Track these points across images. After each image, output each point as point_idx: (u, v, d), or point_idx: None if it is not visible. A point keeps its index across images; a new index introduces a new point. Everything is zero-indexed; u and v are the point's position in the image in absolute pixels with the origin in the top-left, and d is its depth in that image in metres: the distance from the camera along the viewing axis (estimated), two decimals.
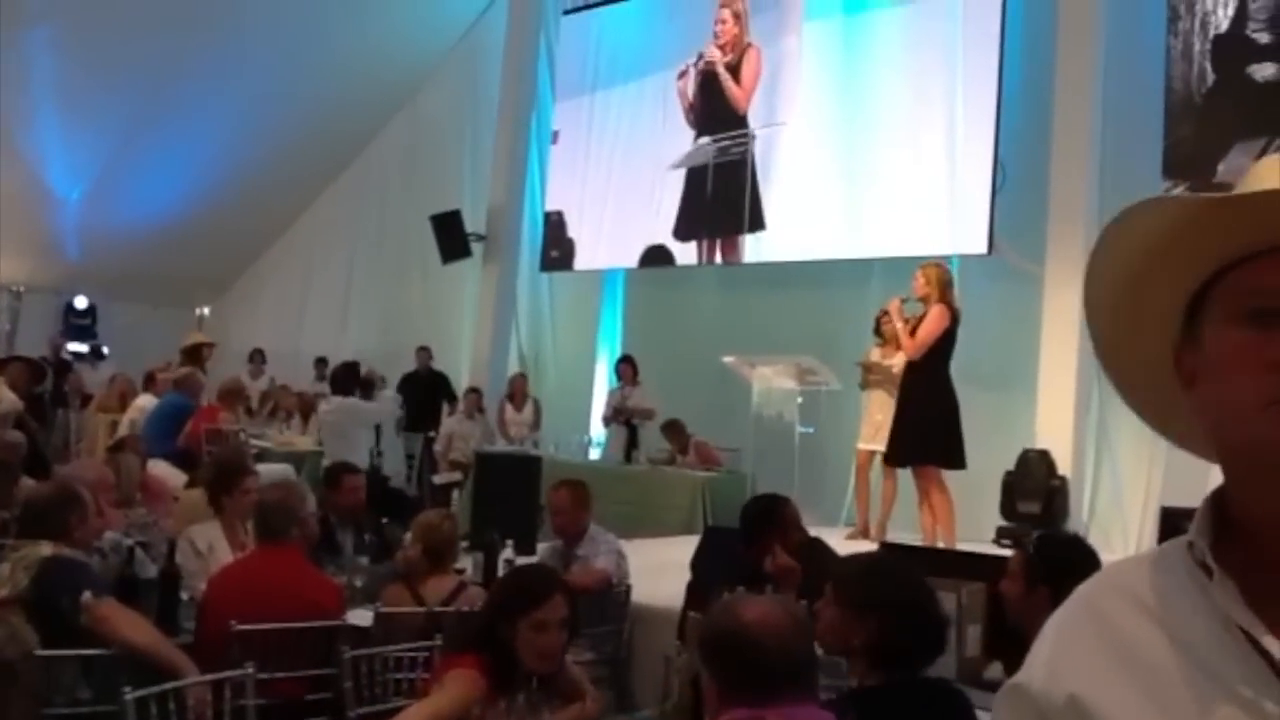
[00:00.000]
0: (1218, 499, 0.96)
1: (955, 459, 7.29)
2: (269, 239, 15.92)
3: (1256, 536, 0.92)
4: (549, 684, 3.02)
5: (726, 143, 10.65)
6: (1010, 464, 7.82)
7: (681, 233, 10.93)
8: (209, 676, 3.47)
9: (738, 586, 4.01)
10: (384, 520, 5.92)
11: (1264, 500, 0.91)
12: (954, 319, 7.24)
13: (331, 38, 12.61)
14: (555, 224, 12.25)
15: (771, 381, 8.37)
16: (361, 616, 4.26)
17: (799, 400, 8.21)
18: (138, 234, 13.99)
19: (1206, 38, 7.71)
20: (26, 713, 3.40)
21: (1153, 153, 7.78)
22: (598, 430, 11.36)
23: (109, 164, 13.25)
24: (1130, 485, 8.13)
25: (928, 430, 7.18)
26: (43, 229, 13.84)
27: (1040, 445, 7.84)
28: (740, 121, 10.60)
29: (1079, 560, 3.23)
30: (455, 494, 10.07)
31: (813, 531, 4.86)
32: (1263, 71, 7.49)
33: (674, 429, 9.77)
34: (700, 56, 11.00)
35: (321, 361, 13.21)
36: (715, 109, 10.81)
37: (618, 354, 11.47)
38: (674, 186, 11.05)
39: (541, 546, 5.72)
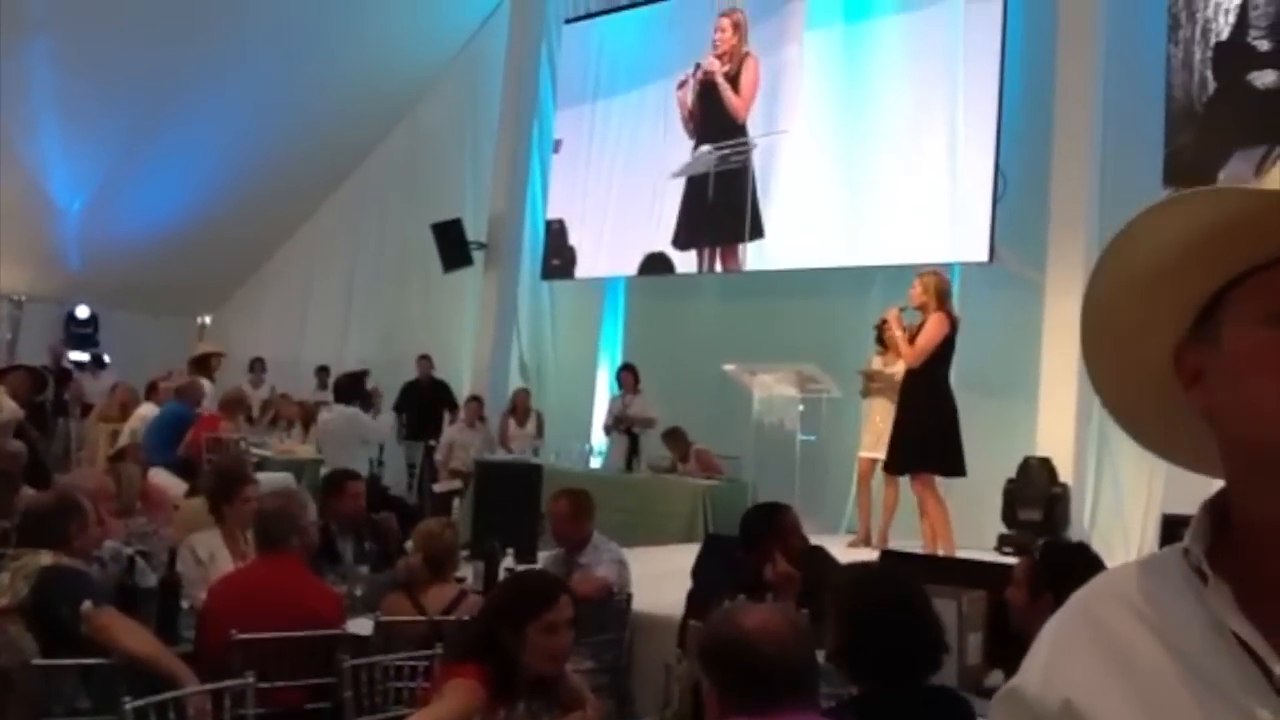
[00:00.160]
0: (1216, 504, 0.96)
1: (955, 466, 7.28)
2: (270, 248, 15.93)
3: (1255, 542, 0.92)
4: (549, 693, 3.01)
5: (728, 151, 10.66)
6: (1011, 471, 7.81)
7: (682, 241, 10.94)
8: (209, 685, 3.46)
9: (738, 594, 4.01)
10: (382, 513, 5.91)
11: (1268, 503, 0.90)
12: (953, 326, 7.25)
13: (332, 48, 12.63)
14: (556, 232, 12.26)
15: (772, 389, 8.37)
16: (362, 625, 4.25)
17: (800, 408, 8.21)
18: (139, 243, 14.00)
19: (1207, 45, 7.71)
20: None
21: (1153, 160, 7.78)
22: (599, 438, 11.36)
23: (110, 174, 13.27)
24: (1132, 493, 8.12)
25: (927, 438, 7.17)
26: (44, 238, 13.86)
27: (1042, 453, 7.83)
28: (740, 130, 10.61)
29: (1084, 568, 3.21)
30: (456, 502, 10.07)
31: (814, 540, 4.86)
32: (1263, 79, 7.50)
33: (675, 437, 9.76)
34: (699, 67, 11.02)
35: (323, 370, 13.22)
36: (715, 119, 10.82)
37: (619, 362, 11.48)
38: (675, 195, 11.06)
39: (545, 554, 5.71)
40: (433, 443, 11.31)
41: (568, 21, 12.67)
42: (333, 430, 9.04)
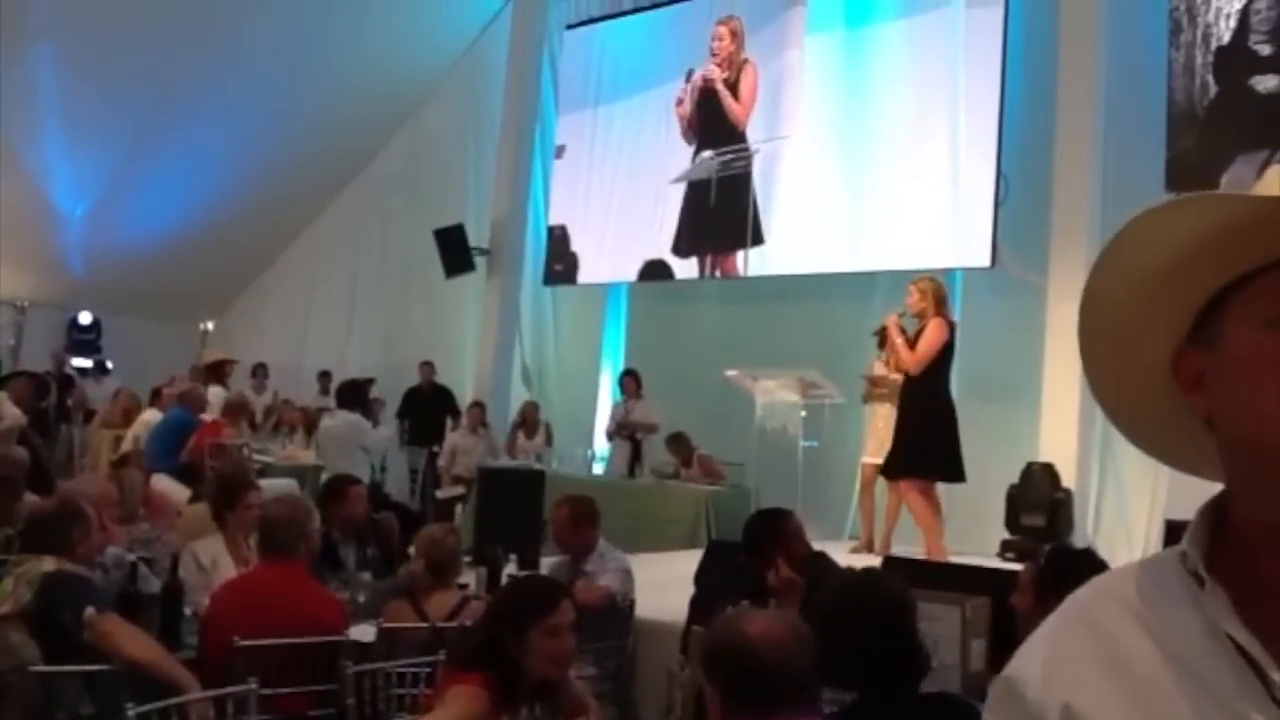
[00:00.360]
0: (1214, 508, 0.96)
1: (954, 472, 7.29)
2: (273, 254, 15.95)
3: (1254, 546, 0.92)
4: (552, 699, 3.01)
5: (729, 156, 10.66)
6: (1014, 477, 7.80)
7: (683, 246, 10.94)
8: (211, 692, 3.46)
9: (741, 601, 4.01)
10: (383, 513, 5.90)
11: (1270, 506, 0.91)
12: (952, 331, 7.26)
13: (334, 54, 12.65)
14: (559, 238, 12.26)
15: (775, 395, 8.37)
16: (364, 632, 4.25)
17: (802, 414, 8.21)
18: (142, 249, 14.01)
19: (1209, 50, 7.71)
20: None
21: (1155, 165, 7.78)
22: (601, 444, 11.35)
23: (113, 180, 13.28)
24: (1135, 498, 8.11)
25: (927, 444, 7.18)
26: (47, 244, 13.87)
27: (1044, 458, 7.82)
28: (741, 137, 10.62)
29: (1090, 573, 3.17)
30: (459, 508, 10.06)
31: (817, 545, 4.85)
32: (1265, 83, 7.50)
33: (678, 442, 9.76)
34: (690, 77, 11.02)
35: (325, 376, 13.22)
36: (716, 126, 10.82)
37: (621, 368, 11.47)
38: (677, 200, 11.07)
39: (551, 561, 5.71)
40: (435, 449, 11.31)
41: (569, 27, 12.68)
42: (334, 436, 9.04)
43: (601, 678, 4.94)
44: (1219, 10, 7.70)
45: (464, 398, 12.12)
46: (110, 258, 14.05)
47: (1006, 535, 7.67)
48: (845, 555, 6.75)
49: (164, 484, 6.80)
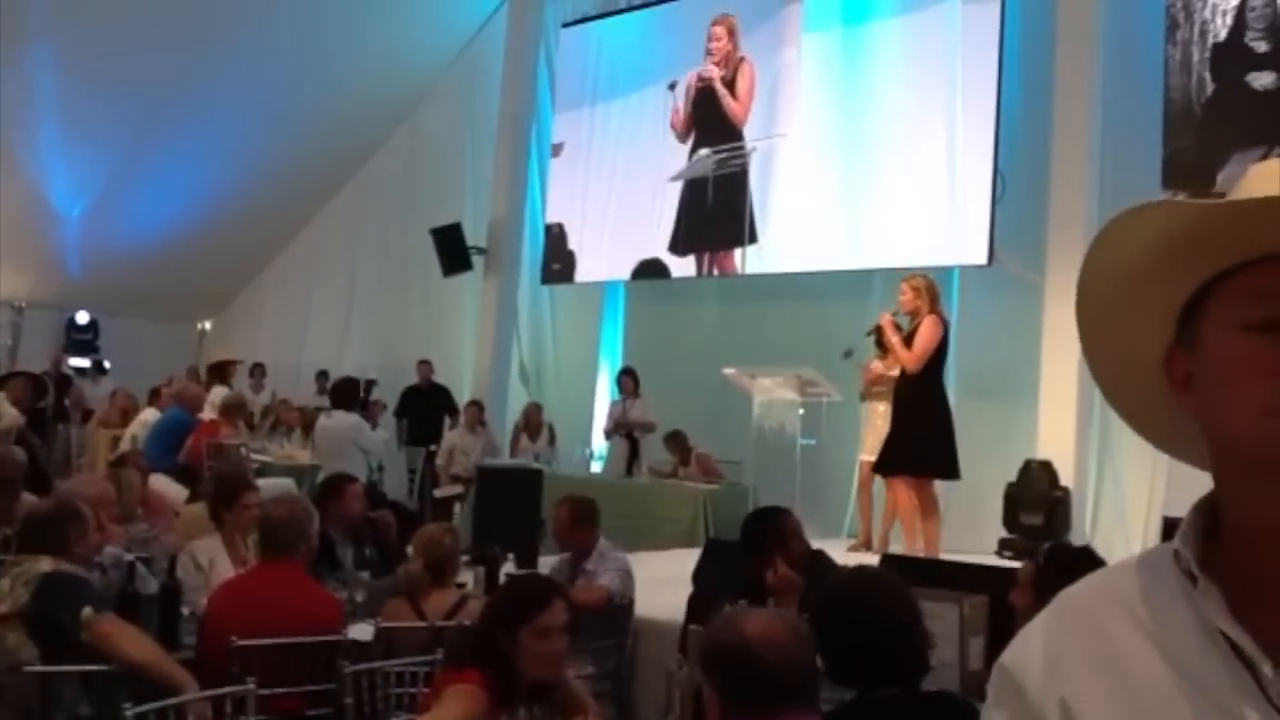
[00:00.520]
0: (1207, 505, 0.97)
1: (949, 470, 7.29)
2: (270, 254, 15.94)
3: (1245, 543, 0.93)
4: (550, 699, 3.00)
5: (726, 154, 10.66)
6: (1012, 475, 7.80)
7: (680, 244, 10.93)
8: (209, 692, 3.46)
9: (739, 599, 4.01)
10: (380, 510, 5.90)
11: (1255, 506, 0.91)
12: (945, 328, 7.26)
13: (331, 53, 12.64)
14: (556, 236, 12.26)
15: (773, 393, 8.36)
16: (363, 631, 4.25)
17: (800, 412, 8.20)
18: (139, 250, 14.01)
19: (1205, 47, 7.71)
20: None
21: (1152, 162, 7.78)
22: (599, 443, 11.35)
23: (111, 180, 13.27)
24: (1133, 496, 8.11)
25: (922, 442, 7.18)
26: (44, 245, 13.86)
27: (1042, 456, 7.82)
28: (739, 135, 10.61)
29: (1089, 571, 3.20)
30: (457, 508, 10.05)
31: (815, 544, 4.85)
32: (1261, 80, 7.50)
33: (676, 440, 9.76)
34: (696, 74, 11.01)
35: (323, 375, 13.22)
36: (715, 124, 10.81)
37: (619, 366, 11.47)
38: (674, 199, 11.06)
39: (551, 560, 5.71)
40: (433, 448, 11.30)
41: (565, 25, 12.67)
42: (331, 435, 9.01)
43: (600, 677, 4.94)
44: (1215, 7, 7.70)
45: (462, 397, 12.11)
46: (108, 258, 14.04)
47: (1004, 533, 7.67)
48: (843, 553, 6.76)
49: (162, 484, 6.78)
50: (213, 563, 4.68)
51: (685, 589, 5.16)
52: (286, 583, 4.07)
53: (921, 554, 6.88)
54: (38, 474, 6.84)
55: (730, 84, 10.75)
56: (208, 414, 9.28)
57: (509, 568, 5.58)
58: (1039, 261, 8.24)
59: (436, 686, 3.08)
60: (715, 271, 10.80)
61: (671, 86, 11.19)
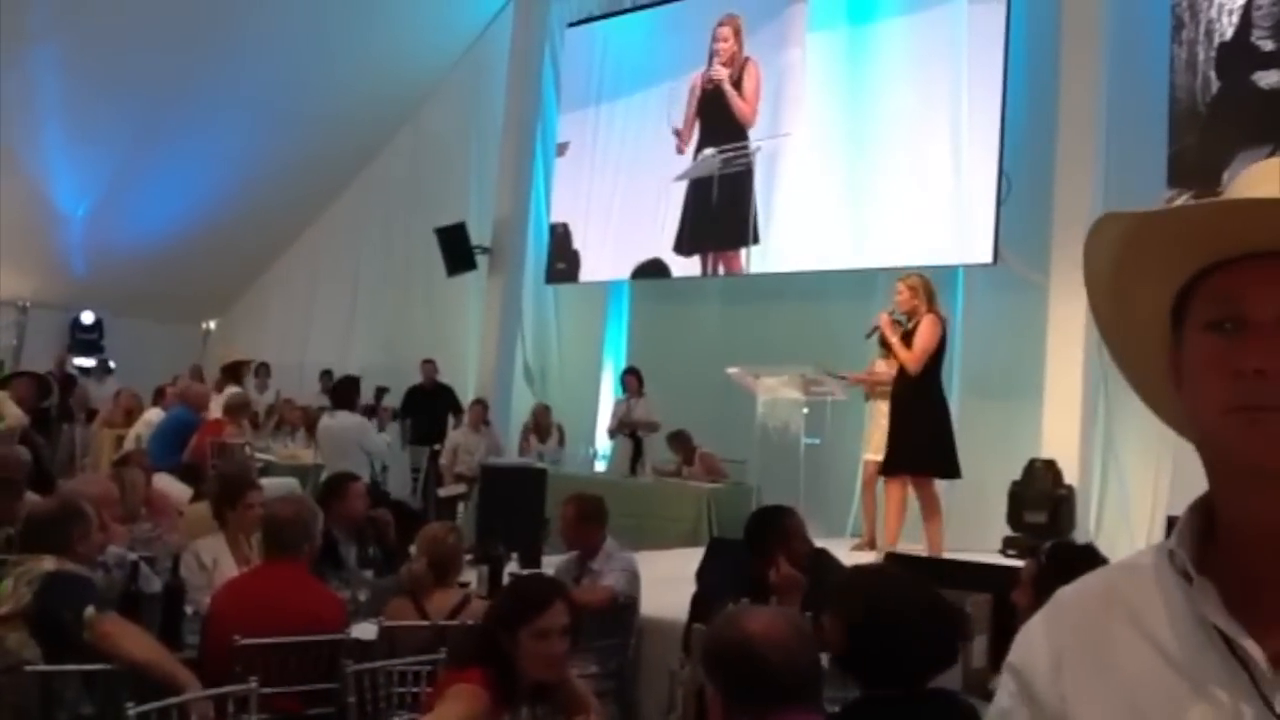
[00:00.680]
0: (1203, 505, 0.98)
1: (949, 469, 7.28)
2: (275, 253, 15.95)
3: (1240, 543, 0.94)
4: (552, 698, 3.00)
5: (731, 154, 10.65)
6: (1016, 474, 7.78)
7: (685, 244, 10.92)
8: (212, 691, 3.46)
9: (743, 598, 4.00)
10: (378, 509, 5.90)
11: (1237, 504, 0.93)
12: (944, 327, 7.26)
13: (335, 53, 12.65)
14: (560, 236, 12.25)
15: (776, 393, 8.34)
16: (365, 630, 4.25)
17: (804, 411, 8.18)
18: (143, 249, 14.02)
19: (1211, 46, 7.69)
20: None
21: (1157, 161, 7.76)
22: (603, 442, 11.35)
23: (114, 180, 13.29)
24: (1137, 495, 8.10)
25: (921, 441, 7.17)
26: (49, 245, 13.89)
27: (1047, 455, 7.81)
28: (745, 134, 10.61)
29: (1091, 569, 3.20)
30: (460, 507, 10.06)
31: (819, 543, 4.85)
32: (1267, 79, 7.48)
33: (680, 440, 9.76)
34: (704, 76, 10.99)
35: (327, 375, 13.22)
36: (723, 125, 10.80)
37: (623, 365, 11.47)
38: (679, 198, 11.06)
39: (558, 559, 5.70)
40: (437, 447, 11.31)
41: (571, 25, 12.66)
42: (334, 435, 9.02)
43: (603, 676, 4.93)
44: (1221, 6, 7.68)
45: (466, 396, 12.11)
46: (112, 258, 14.06)
47: (1009, 532, 7.65)
48: (847, 553, 6.76)
49: (166, 483, 6.79)
50: (216, 562, 4.68)
51: (689, 588, 5.15)
52: (289, 582, 4.07)
53: (926, 553, 6.88)
54: (42, 474, 6.85)
55: (737, 84, 10.74)
56: (215, 414, 9.30)
57: (513, 567, 5.57)
58: (1044, 261, 8.22)
59: (439, 686, 3.08)
60: (720, 271, 10.79)
61: (682, 125, 11.15)
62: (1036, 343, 8.15)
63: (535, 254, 12.87)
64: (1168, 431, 1.07)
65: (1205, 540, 0.96)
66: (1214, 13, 7.70)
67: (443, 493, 10.60)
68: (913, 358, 7.17)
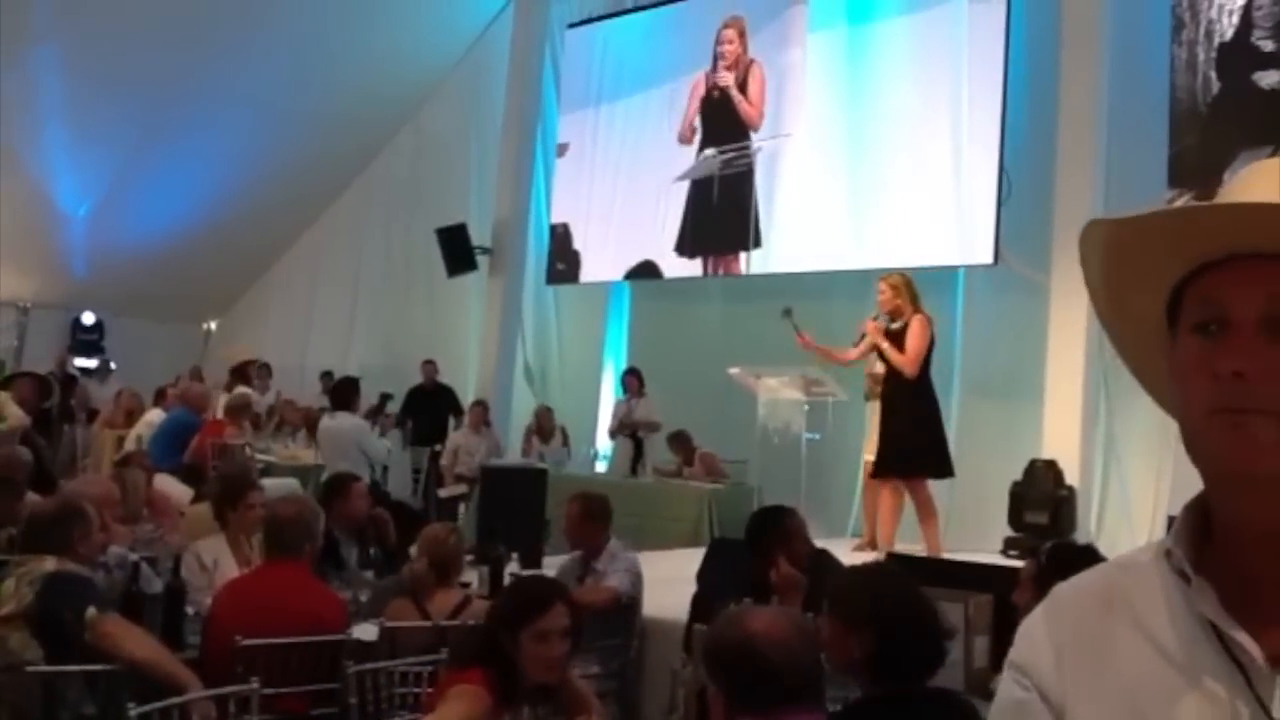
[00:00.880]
0: (1200, 505, 0.98)
1: (941, 468, 7.28)
2: (275, 254, 15.95)
3: (1236, 543, 0.94)
4: (554, 698, 3.00)
5: (732, 154, 10.65)
6: (1017, 474, 7.79)
7: (686, 244, 10.92)
8: (213, 691, 3.46)
9: (744, 598, 4.00)
10: (377, 508, 5.90)
11: (1230, 506, 0.93)
12: (931, 326, 7.27)
13: (336, 53, 12.65)
14: (561, 236, 12.25)
15: (777, 393, 8.35)
16: (367, 631, 4.25)
17: (805, 410, 8.18)
18: (144, 250, 14.02)
19: (1211, 46, 7.69)
20: None
21: (1158, 162, 7.76)
22: (604, 443, 11.34)
23: (115, 181, 13.29)
24: (1138, 495, 8.10)
25: (909, 443, 7.18)
26: (50, 245, 13.89)
27: (1048, 455, 7.81)
28: (746, 134, 10.60)
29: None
30: (461, 507, 10.06)
31: (820, 543, 4.85)
32: (1268, 79, 7.48)
33: (680, 440, 9.76)
34: (710, 78, 10.99)
35: (327, 375, 13.20)
36: (727, 128, 10.78)
37: (623, 366, 11.47)
38: (679, 199, 11.06)
39: (561, 559, 5.69)
40: (438, 448, 11.31)
41: (571, 26, 12.66)
42: (334, 436, 9.01)
43: (605, 676, 4.93)
44: (1221, 6, 7.68)
45: (466, 397, 12.11)
46: (113, 258, 14.06)
47: (1010, 532, 7.66)
48: (848, 553, 6.76)
49: (167, 484, 6.79)
50: (217, 563, 4.68)
51: (690, 588, 5.15)
52: (291, 582, 4.07)
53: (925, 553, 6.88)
54: (43, 474, 6.86)
55: (743, 87, 10.74)
56: (217, 413, 9.31)
57: (513, 568, 5.57)
58: (1044, 261, 8.22)
59: (441, 686, 3.08)
60: (720, 271, 10.79)
61: (690, 132, 11.14)
62: (1037, 343, 8.15)
63: (536, 254, 12.87)
64: (1169, 432, 1.08)
65: (1202, 539, 0.96)
66: (1214, 13, 7.70)
67: (443, 493, 10.60)
68: (909, 361, 7.18)
